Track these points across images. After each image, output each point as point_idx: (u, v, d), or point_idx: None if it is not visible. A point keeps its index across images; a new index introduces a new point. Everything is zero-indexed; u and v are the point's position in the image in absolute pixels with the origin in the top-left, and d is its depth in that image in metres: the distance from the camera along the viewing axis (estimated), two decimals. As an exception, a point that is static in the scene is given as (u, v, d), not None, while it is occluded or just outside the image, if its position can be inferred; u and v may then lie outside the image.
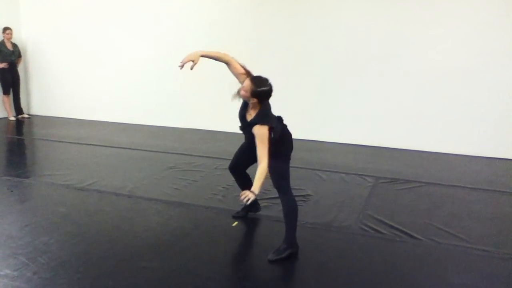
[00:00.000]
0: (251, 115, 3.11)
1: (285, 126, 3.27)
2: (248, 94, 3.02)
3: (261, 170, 2.88)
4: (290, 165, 5.37)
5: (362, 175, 5.10)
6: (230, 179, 4.83)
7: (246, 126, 3.11)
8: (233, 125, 7.26)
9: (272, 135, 3.00)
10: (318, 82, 6.84)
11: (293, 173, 5.15)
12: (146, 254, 3.13)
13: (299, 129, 6.94)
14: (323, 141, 6.83)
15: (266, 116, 3.05)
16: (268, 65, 6.63)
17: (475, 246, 3.37)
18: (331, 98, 6.82)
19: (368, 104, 6.62)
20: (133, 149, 6.19)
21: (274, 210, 3.96)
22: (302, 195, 4.37)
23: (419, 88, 6.35)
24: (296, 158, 5.88)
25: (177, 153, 5.96)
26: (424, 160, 5.95)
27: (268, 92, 3.06)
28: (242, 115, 3.20)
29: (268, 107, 3.13)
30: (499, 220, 3.93)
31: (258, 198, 4.20)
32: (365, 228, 3.65)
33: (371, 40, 6.46)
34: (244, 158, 3.53)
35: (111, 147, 6.28)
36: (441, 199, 4.39)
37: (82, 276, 2.81)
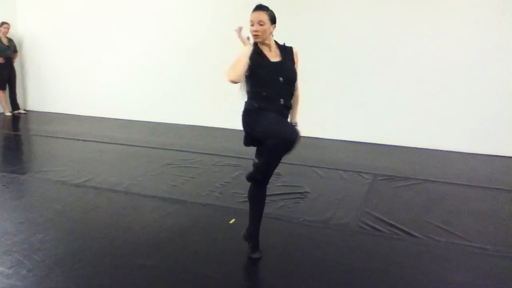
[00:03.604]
0: (273, 55, 2.82)
1: None
2: (268, 25, 2.73)
3: (299, 97, 2.93)
4: (289, 161, 5.36)
5: (360, 172, 5.08)
6: (228, 176, 4.83)
7: (288, 65, 2.84)
8: (231, 122, 7.33)
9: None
10: (315, 79, 6.80)
11: (291, 170, 5.18)
12: (143, 251, 3.11)
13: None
14: (321, 138, 6.80)
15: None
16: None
17: (473, 244, 3.35)
18: (329, 95, 6.79)
19: (366, 101, 6.60)
20: (130, 145, 6.15)
21: (271, 207, 3.94)
22: (299, 192, 4.35)
23: (418, 85, 6.33)
24: (293, 155, 5.89)
25: (174, 150, 5.93)
26: (422, 157, 5.93)
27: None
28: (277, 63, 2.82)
29: None
30: (497, 218, 3.91)
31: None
32: (363, 225, 3.64)
33: (368, 37, 6.43)
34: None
35: (107, 143, 6.24)
36: (439, 197, 4.37)
37: (78, 274, 2.78)
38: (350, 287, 2.76)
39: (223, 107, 7.38)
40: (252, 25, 2.74)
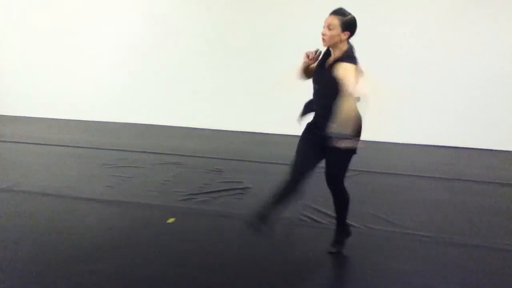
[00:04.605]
0: (328, 63, 2.72)
1: None
2: (337, 30, 2.60)
3: (347, 104, 2.47)
4: (230, 157, 5.33)
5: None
6: (168, 175, 4.70)
7: (324, 73, 2.70)
8: (170, 119, 7.19)
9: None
10: (260, 76, 6.80)
11: (232, 165, 5.14)
12: (79, 257, 2.94)
13: (242, 121, 6.97)
14: (266, 133, 6.81)
15: (352, 57, 2.65)
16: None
17: (413, 232, 3.43)
18: (269, 89, 6.78)
19: (309, 94, 6.64)
20: (63, 146, 5.85)
21: (213, 204, 3.89)
22: (240, 188, 4.31)
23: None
24: (237, 150, 5.89)
25: (112, 149, 5.69)
26: (362, 149, 6.04)
27: (356, 21, 2.64)
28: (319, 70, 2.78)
29: (353, 50, 2.70)
30: (437, 206, 4.02)
31: (196, 192, 4.14)
32: (304, 218, 3.65)
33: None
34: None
35: (41, 144, 5.89)
36: (379, 187, 4.47)
37: (4, 286, 2.58)
38: (294, 280, 2.76)
39: (163, 104, 7.23)
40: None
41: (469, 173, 5.04)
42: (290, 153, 5.75)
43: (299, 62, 2.87)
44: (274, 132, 6.75)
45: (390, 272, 2.87)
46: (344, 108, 2.47)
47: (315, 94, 2.87)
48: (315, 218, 3.66)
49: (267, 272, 2.83)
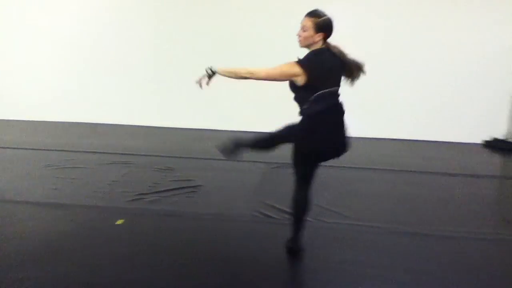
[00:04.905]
0: None
1: (333, 110, 2.93)
2: (310, 32, 2.59)
3: (244, 68, 2.70)
4: (180, 155, 5.19)
5: (253, 161, 5.08)
6: (115, 175, 4.54)
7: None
8: (118, 117, 6.98)
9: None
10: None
11: (183, 163, 5.03)
12: (21, 263, 2.77)
13: (190, 118, 6.87)
14: (216, 130, 6.73)
15: (307, 59, 2.62)
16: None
17: (363, 223, 3.49)
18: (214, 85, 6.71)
19: (250, 89, 6.61)
20: (3, 148, 5.52)
21: (164, 203, 3.79)
22: (192, 186, 4.23)
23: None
24: (188, 148, 5.78)
25: (56, 150, 5.44)
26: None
27: (331, 22, 2.62)
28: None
29: (323, 52, 2.65)
30: (383, 197, 4.12)
31: (146, 191, 4.02)
32: (257, 214, 3.63)
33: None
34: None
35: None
36: (327, 180, 4.49)
37: None
38: (247, 277, 2.73)
39: (109, 102, 7.01)
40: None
41: (411, 164, 5.20)
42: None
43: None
44: (224, 129, 6.69)
45: (342, 264, 2.89)
46: (238, 68, 2.76)
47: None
48: (268, 213, 3.65)
49: (221, 270, 2.78)
